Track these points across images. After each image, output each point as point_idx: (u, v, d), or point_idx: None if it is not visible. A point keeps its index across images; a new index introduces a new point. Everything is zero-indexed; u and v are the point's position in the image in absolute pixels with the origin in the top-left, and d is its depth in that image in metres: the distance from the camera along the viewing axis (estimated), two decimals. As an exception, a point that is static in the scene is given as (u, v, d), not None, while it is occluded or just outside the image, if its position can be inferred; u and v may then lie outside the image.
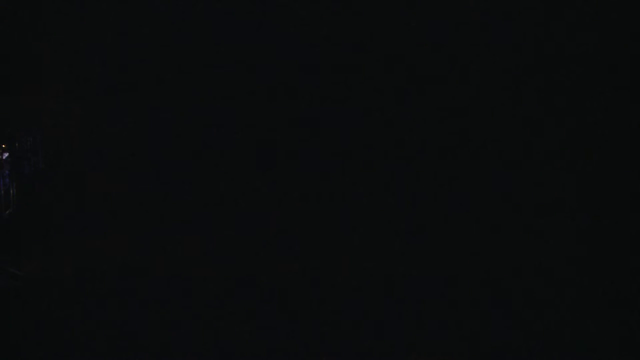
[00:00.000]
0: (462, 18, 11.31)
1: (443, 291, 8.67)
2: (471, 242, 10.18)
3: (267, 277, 9.44)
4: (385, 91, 11.82)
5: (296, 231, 10.36)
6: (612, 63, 11.29)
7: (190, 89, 13.11)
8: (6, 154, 12.61)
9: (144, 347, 7.24)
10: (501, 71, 11.38)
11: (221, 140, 13.15)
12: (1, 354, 7.18)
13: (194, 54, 12.42)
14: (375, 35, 11.69)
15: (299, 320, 8.00)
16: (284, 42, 11.69)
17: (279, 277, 9.34)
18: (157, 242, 11.49)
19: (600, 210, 11.43)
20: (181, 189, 12.36)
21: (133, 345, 7.27)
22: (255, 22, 11.43)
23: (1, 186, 12.46)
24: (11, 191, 12.63)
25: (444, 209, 10.69)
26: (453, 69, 11.67)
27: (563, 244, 10.43)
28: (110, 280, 9.08)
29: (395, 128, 11.42)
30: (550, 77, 11.51)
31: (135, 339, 7.35)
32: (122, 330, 7.48)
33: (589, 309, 8.16)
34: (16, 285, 9.94)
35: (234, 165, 13.06)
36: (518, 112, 11.46)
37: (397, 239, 10.53)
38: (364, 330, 7.79)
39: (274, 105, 12.03)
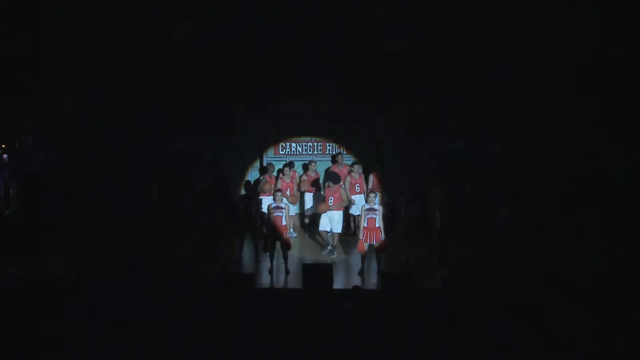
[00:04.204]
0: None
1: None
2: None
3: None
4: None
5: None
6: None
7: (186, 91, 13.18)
8: (6, 155, 12.63)
9: (143, 347, 7.23)
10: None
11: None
12: (1, 353, 7.17)
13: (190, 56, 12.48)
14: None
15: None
16: None
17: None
18: (156, 243, 11.52)
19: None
20: (179, 189, 12.38)
21: (132, 344, 7.26)
22: None
23: (1, 186, 12.47)
24: (11, 191, 12.65)
25: None
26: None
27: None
28: (109, 279, 9.07)
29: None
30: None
31: (134, 338, 7.34)
32: (121, 330, 7.47)
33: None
34: (16, 285, 9.94)
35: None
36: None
37: None
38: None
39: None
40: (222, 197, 12.12)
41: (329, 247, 11.82)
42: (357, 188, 12.54)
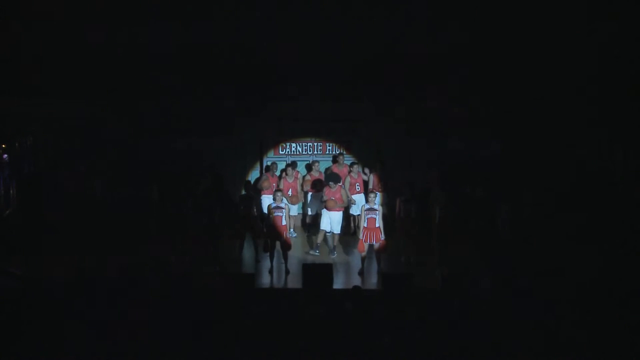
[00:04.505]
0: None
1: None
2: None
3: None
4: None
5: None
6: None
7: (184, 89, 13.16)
8: (6, 155, 12.63)
9: (143, 347, 7.22)
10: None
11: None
12: (1, 353, 7.16)
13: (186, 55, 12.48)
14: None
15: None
16: None
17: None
18: (156, 243, 11.51)
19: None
20: (179, 189, 12.37)
21: (132, 344, 7.25)
22: None
23: (1, 186, 12.46)
24: (11, 191, 12.64)
25: None
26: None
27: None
28: (109, 279, 9.06)
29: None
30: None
31: (134, 338, 7.33)
32: (121, 330, 7.46)
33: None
34: (16, 285, 9.93)
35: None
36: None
37: None
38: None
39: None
40: (221, 197, 12.13)
41: (317, 252, 11.81)
42: (357, 187, 12.57)
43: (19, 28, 11.39)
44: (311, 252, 11.89)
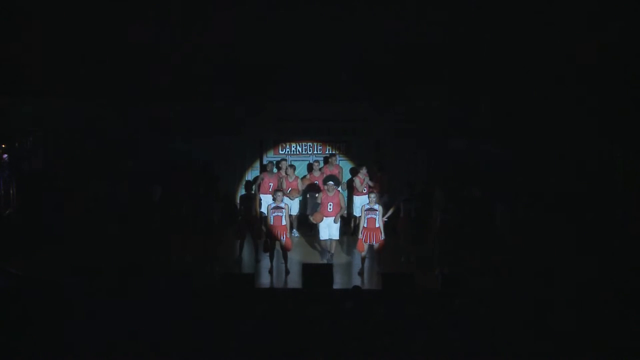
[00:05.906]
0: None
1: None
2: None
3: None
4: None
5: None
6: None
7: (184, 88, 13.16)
8: (6, 155, 12.62)
9: (143, 347, 7.22)
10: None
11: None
12: (1, 353, 7.16)
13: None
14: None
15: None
16: None
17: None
18: (156, 243, 11.49)
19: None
20: (179, 189, 12.36)
21: (132, 344, 7.25)
22: None
23: (1, 186, 12.46)
24: (11, 191, 12.64)
25: None
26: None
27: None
28: (108, 280, 9.06)
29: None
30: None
31: (134, 338, 7.33)
32: (121, 330, 7.46)
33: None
34: (16, 285, 9.92)
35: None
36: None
37: None
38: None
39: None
40: (219, 198, 12.12)
41: (328, 257, 11.54)
42: (364, 189, 12.55)
43: (19, 28, 11.40)
44: (324, 260, 11.44)
